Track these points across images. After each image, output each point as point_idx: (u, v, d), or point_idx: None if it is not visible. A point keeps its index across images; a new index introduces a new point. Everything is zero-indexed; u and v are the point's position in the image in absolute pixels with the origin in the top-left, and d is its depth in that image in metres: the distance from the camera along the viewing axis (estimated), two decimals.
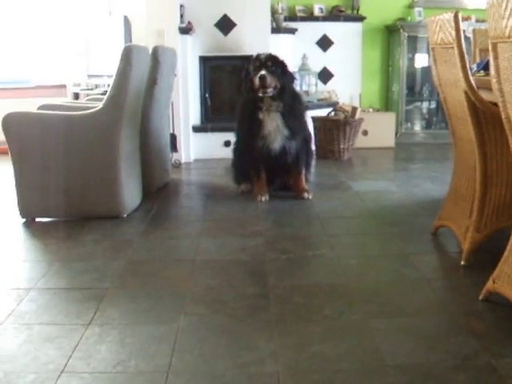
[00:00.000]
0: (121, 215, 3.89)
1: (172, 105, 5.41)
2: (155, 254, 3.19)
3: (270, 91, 4.00)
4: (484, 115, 2.63)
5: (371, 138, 6.50)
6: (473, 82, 2.56)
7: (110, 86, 3.75)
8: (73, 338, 2.24)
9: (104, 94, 5.26)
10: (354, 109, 5.96)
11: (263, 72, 3.95)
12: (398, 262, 2.98)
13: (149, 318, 2.42)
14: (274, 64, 4.06)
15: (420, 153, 6.24)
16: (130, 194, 3.98)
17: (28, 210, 3.86)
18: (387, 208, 4.01)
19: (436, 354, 2.06)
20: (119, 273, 2.91)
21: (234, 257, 3.12)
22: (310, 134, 4.58)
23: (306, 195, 4.24)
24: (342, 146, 5.88)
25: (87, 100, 5.16)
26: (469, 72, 2.57)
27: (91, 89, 6.35)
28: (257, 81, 3.94)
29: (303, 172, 4.36)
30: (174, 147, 5.59)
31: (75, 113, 3.76)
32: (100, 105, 3.75)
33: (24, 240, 3.52)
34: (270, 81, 3.96)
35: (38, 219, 3.87)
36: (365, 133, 6.46)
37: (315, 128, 6.00)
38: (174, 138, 5.63)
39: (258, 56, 4.11)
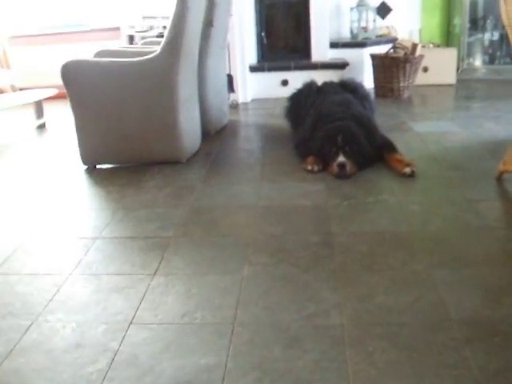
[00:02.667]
0: (181, 160, 3.93)
1: (228, 45, 5.33)
2: (217, 200, 3.22)
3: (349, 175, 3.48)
4: None
5: (431, 75, 6.28)
6: None
7: (167, 30, 3.71)
8: (139, 288, 2.31)
9: (159, 36, 5.26)
10: (414, 45, 5.74)
11: (342, 159, 3.45)
12: (462, 208, 2.92)
13: (213, 267, 2.46)
14: (354, 144, 3.54)
15: (482, 90, 6.00)
16: (190, 138, 4.00)
17: (89, 156, 3.94)
18: (449, 150, 3.90)
19: (502, 307, 2.03)
20: (182, 221, 2.96)
21: (295, 202, 3.12)
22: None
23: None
24: (401, 85, 5.71)
25: (143, 43, 5.15)
26: None
27: (146, 31, 6.32)
28: (335, 168, 3.46)
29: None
30: (231, 88, 5.56)
31: (133, 59, 3.75)
32: (157, 50, 3.72)
33: (87, 187, 3.61)
34: (351, 168, 3.46)
35: (99, 166, 3.94)
36: (425, 69, 6.25)
37: (374, 66, 5.83)
38: (230, 78, 5.59)
39: (331, 133, 3.57)
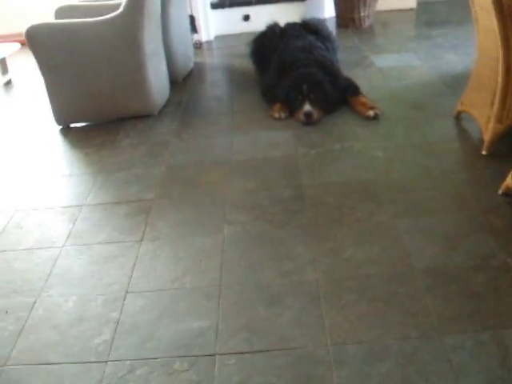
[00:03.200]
0: (152, 113, 4.04)
1: None
2: (191, 156, 3.37)
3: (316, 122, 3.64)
4: (509, 9, 2.64)
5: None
6: None
7: None
8: (130, 256, 2.51)
9: None
10: None
11: (308, 108, 3.61)
12: (423, 152, 3.12)
13: (195, 229, 2.66)
14: (319, 91, 3.68)
15: (442, 14, 6.07)
16: (159, 90, 4.10)
17: (62, 117, 4.03)
18: (410, 87, 4.07)
19: (457, 255, 2.28)
20: (160, 181, 3.12)
21: (267, 155, 3.28)
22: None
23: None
24: (362, 14, 5.78)
25: None
26: None
27: None
28: (301, 116, 3.61)
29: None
30: (194, 29, 5.58)
31: (97, 19, 3.78)
32: (120, 8, 3.75)
33: (64, 151, 3.71)
34: (317, 116, 3.63)
35: (73, 125, 4.03)
36: None
37: None
38: (193, 19, 5.59)
39: (296, 82, 3.73)
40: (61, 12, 4.32)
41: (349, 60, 4.79)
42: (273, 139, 3.47)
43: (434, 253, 2.31)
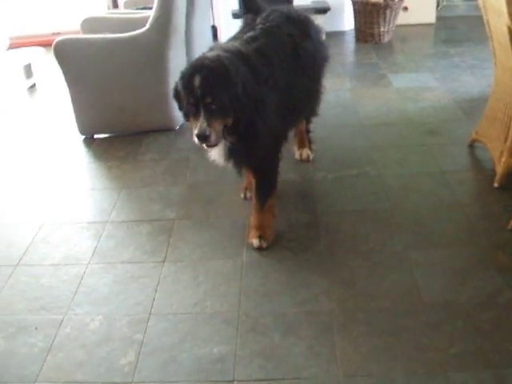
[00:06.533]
0: (173, 127, 4.17)
1: None
2: (211, 174, 3.46)
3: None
4: None
5: (411, 14, 6.39)
6: None
7: (155, 6, 3.84)
8: (153, 277, 2.63)
9: None
10: None
11: (202, 127, 2.30)
12: (436, 181, 3.22)
13: (216, 252, 2.78)
14: (221, 93, 2.31)
15: (461, 31, 6.14)
16: None
17: (86, 127, 4.18)
18: (427, 110, 4.16)
19: (465, 290, 2.39)
20: (182, 200, 3.24)
21: (285, 177, 3.29)
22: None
23: None
24: (381, 30, 5.87)
25: (126, 2, 5.23)
26: None
27: None
28: (195, 138, 2.36)
29: None
30: (215, 39, 5.70)
31: (123, 35, 3.90)
32: (146, 25, 3.88)
33: (87, 163, 3.83)
34: (216, 136, 2.36)
35: (96, 136, 4.16)
36: (405, 9, 6.36)
37: (355, 11, 5.96)
38: (215, 29, 5.73)
39: (188, 81, 2.34)
40: (87, 24, 4.47)
41: (367, 78, 4.89)
42: (291, 161, 3.56)
43: (443, 287, 2.42)
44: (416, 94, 4.47)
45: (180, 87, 2.40)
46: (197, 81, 2.29)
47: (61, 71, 3.96)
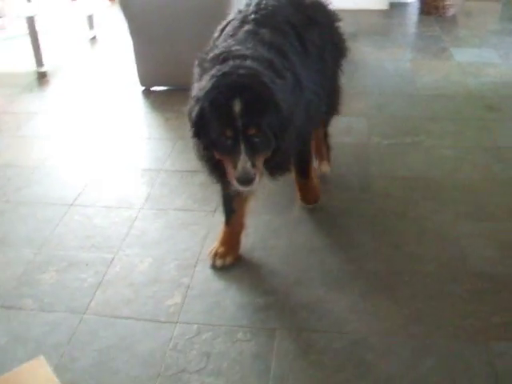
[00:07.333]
0: None
1: None
2: None
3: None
4: None
5: None
6: None
7: None
8: (203, 225, 2.69)
9: None
10: None
11: (247, 169, 1.85)
12: (491, 156, 3.17)
13: (266, 207, 2.80)
14: (267, 121, 1.87)
15: None
16: None
17: (146, 79, 4.24)
18: (488, 86, 4.07)
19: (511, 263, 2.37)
20: None
21: (339, 140, 3.29)
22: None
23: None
24: (446, 2, 5.72)
25: None
26: None
27: None
28: (233, 182, 1.92)
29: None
30: None
31: None
32: None
33: (145, 113, 3.91)
34: (259, 177, 1.94)
35: (153, 88, 4.22)
36: None
37: None
38: None
39: (224, 107, 1.84)
40: None
41: (428, 50, 4.81)
42: (346, 124, 3.54)
43: (489, 258, 2.40)
44: (478, 70, 4.37)
45: (209, 114, 1.87)
46: (237, 107, 1.80)
47: (125, 21, 4.01)
